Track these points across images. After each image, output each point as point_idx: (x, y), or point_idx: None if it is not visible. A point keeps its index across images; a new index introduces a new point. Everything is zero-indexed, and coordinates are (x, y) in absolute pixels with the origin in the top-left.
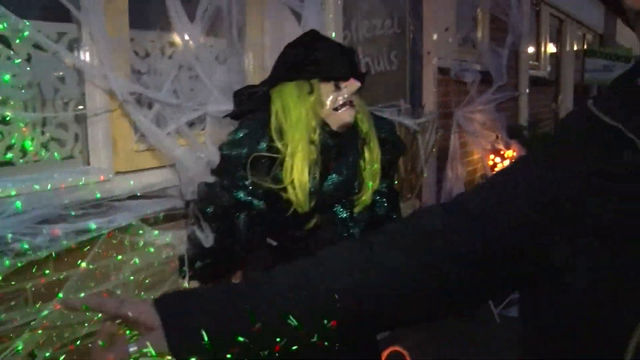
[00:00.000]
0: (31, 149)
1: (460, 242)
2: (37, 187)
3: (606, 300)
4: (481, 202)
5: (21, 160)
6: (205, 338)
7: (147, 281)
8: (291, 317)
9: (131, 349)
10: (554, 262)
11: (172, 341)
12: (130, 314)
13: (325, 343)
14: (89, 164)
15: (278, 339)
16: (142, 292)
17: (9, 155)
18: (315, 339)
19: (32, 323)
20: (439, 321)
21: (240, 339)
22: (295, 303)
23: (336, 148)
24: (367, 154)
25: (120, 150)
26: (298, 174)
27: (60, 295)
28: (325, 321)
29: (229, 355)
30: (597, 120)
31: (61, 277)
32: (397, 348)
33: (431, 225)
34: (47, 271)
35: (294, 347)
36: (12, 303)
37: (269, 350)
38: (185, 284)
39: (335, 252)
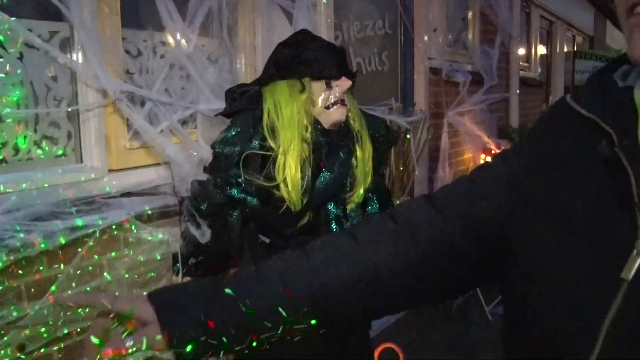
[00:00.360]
0: (24, 146)
1: (443, 232)
2: (30, 184)
3: (573, 289)
4: (461, 194)
5: (14, 158)
6: (201, 329)
7: (140, 278)
8: (280, 308)
9: (127, 343)
10: (524, 252)
11: (168, 333)
12: (125, 308)
13: (313, 332)
14: (81, 161)
15: (269, 329)
16: (136, 289)
17: (2, 152)
18: (302, 329)
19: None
20: (432, 320)
21: (232, 329)
22: (284, 294)
23: (328, 146)
24: (359, 152)
25: (113, 148)
26: (290, 171)
27: (54, 287)
28: (307, 310)
29: (224, 339)
30: (574, 114)
31: (54, 273)
32: (391, 345)
33: (416, 216)
34: (40, 267)
35: (284, 335)
36: (6, 299)
37: (259, 338)
38: (179, 281)
39: (323, 244)
